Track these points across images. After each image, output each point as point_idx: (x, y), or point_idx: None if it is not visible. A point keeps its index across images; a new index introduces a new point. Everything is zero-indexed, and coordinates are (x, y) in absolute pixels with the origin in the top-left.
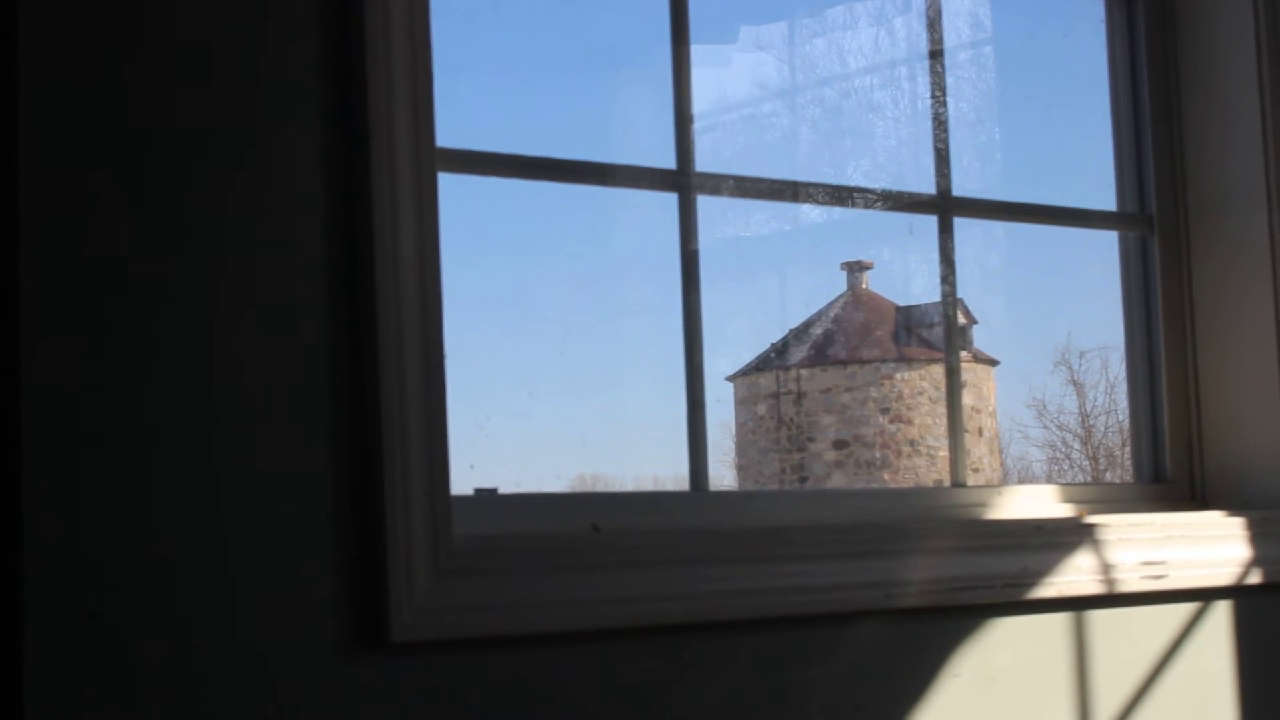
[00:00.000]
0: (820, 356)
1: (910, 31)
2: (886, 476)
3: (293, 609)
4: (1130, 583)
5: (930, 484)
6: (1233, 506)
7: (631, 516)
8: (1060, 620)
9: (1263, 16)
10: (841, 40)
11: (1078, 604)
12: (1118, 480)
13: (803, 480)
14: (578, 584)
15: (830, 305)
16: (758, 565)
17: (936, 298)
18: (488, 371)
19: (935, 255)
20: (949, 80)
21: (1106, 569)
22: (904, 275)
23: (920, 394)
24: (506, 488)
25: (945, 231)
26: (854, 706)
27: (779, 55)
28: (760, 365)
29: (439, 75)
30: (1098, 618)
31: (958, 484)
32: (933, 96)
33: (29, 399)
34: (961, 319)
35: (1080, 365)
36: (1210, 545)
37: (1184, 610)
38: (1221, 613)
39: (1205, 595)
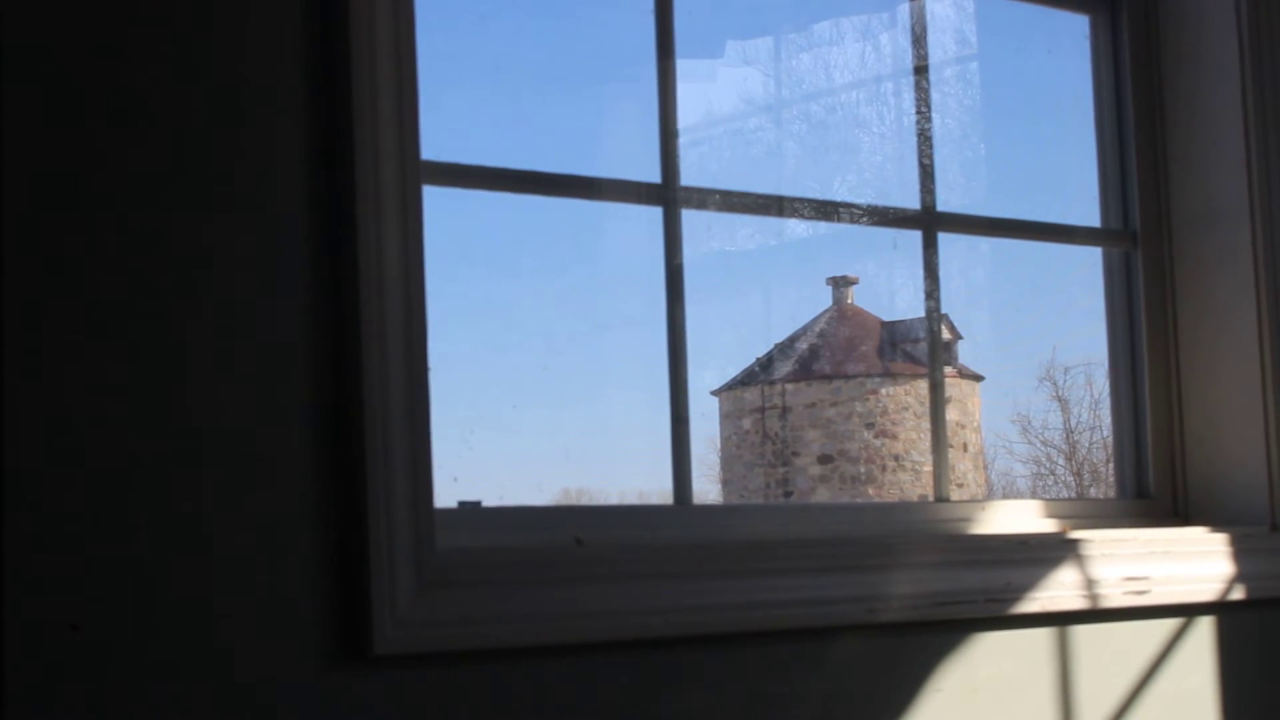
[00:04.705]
0: (805, 371)
1: (896, 47)
2: (871, 491)
3: (275, 621)
4: (1113, 598)
5: (914, 499)
6: (1216, 522)
7: (615, 530)
8: (1043, 635)
9: (1246, 33)
10: (828, 55)
11: (1061, 619)
12: (1101, 496)
13: (787, 495)
14: (561, 597)
15: (815, 320)
16: (741, 579)
17: (921, 313)
18: (471, 384)
19: (920, 271)
20: (934, 96)
21: (1090, 584)
22: (889, 290)
23: (905, 409)
24: (490, 501)
25: (930, 247)
26: None
27: (765, 70)
28: (745, 379)
29: (424, 88)
30: (1081, 633)
31: (942, 499)
32: (918, 112)
33: (8, 408)
34: (946, 334)
35: (1064, 381)
36: (1193, 561)
37: (1167, 626)
38: (1204, 628)
39: (1188, 611)
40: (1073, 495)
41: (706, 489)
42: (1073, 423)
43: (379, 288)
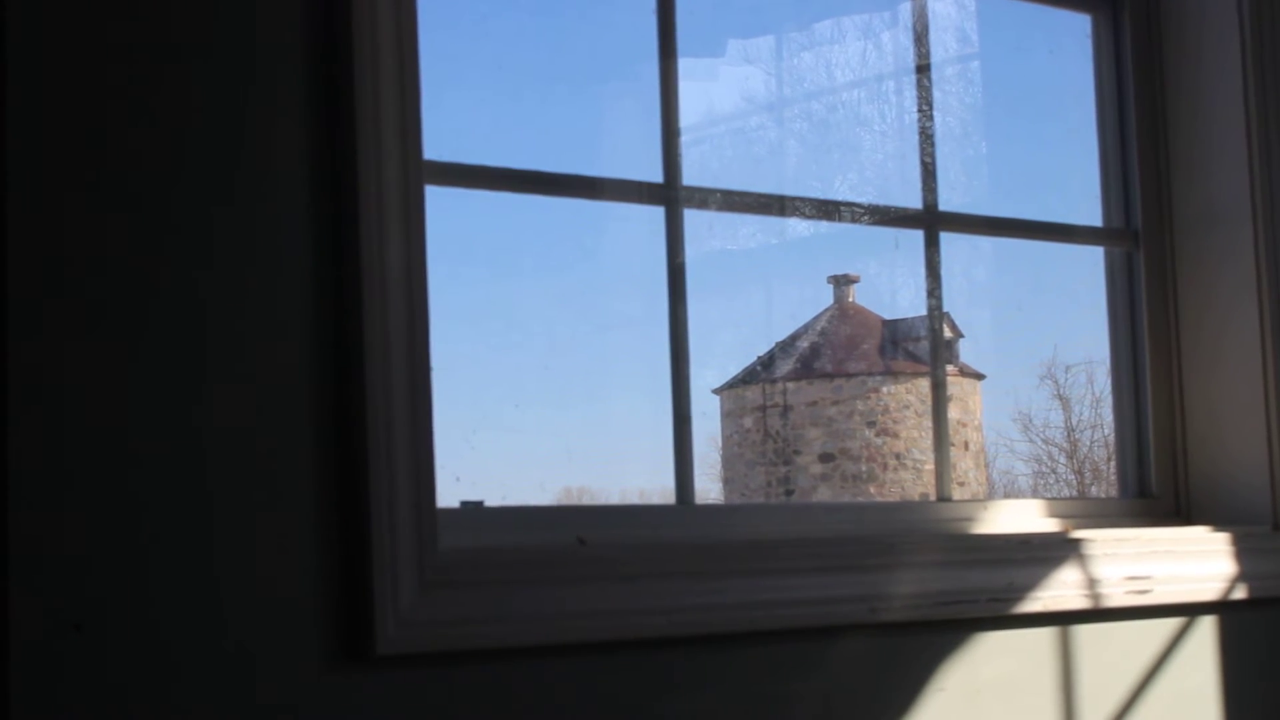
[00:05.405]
0: (806, 370)
1: (897, 46)
2: (872, 490)
3: (278, 621)
4: (1115, 598)
5: (916, 498)
6: (1217, 522)
7: (617, 529)
8: (1045, 635)
9: (1248, 33)
10: (829, 54)
11: (1063, 619)
12: (1103, 495)
13: (789, 493)
14: (563, 597)
15: (817, 318)
16: (743, 579)
17: (923, 311)
18: (474, 384)
19: (922, 269)
20: (936, 95)
21: (1091, 584)
22: (890, 289)
23: (906, 407)
24: (492, 500)
25: (932, 246)
26: None
27: (766, 69)
28: (746, 378)
29: (425, 87)
30: (1083, 632)
31: (943, 498)
32: (919, 111)
33: (13, 407)
34: (948, 333)
35: (1066, 380)
36: (1195, 560)
37: (1169, 625)
38: (1206, 628)
39: (1190, 610)
40: (1074, 493)
41: (708, 487)
42: (1074, 421)
43: (381, 288)
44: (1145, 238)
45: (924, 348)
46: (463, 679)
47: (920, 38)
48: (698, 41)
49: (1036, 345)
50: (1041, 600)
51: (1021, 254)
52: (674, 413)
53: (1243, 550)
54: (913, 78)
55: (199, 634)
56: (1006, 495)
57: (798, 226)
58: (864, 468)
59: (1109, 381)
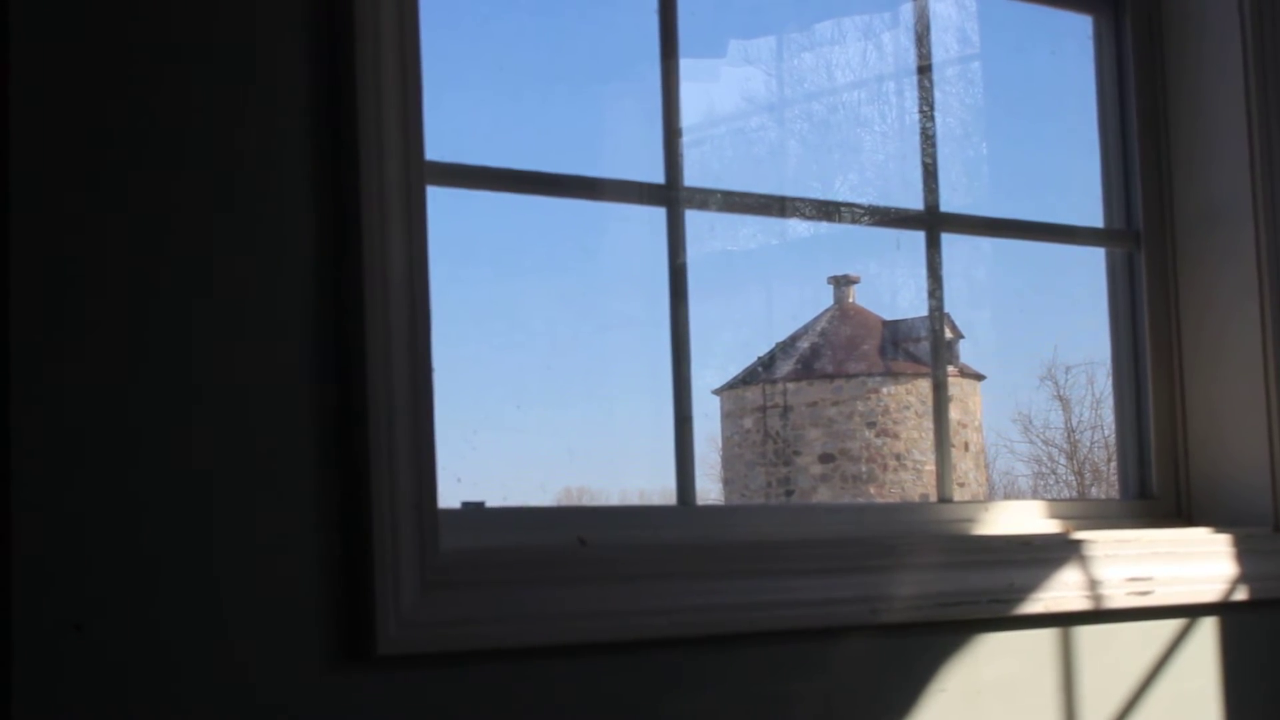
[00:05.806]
0: (807, 370)
1: (898, 47)
2: (872, 490)
3: (279, 622)
4: (1116, 599)
5: (916, 498)
6: (1218, 523)
7: (618, 530)
8: (1046, 636)
9: (1249, 33)
10: (830, 55)
11: (1064, 620)
12: (1102, 495)
13: (789, 494)
14: (564, 598)
15: (817, 319)
16: (744, 580)
17: (923, 312)
18: (475, 384)
19: (922, 270)
20: (937, 95)
21: (1093, 585)
22: (891, 290)
23: (906, 408)
24: (493, 501)
25: (933, 246)
26: None
27: (767, 69)
28: (747, 379)
29: (426, 88)
30: (1084, 633)
31: (944, 499)
32: (920, 111)
33: (14, 407)
34: (948, 333)
35: (1066, 380)
36: (1196, 561)
37: (1170, 626)
38: (1207, 629)
39: (1191, 612)
40: (1073, 494)
41: (708, 488)
42: (1074, 422)
43: (383, 287)
44: (1146, 238)
45: (924, 348)
46: (464, 679)
47: (921, 38)
48: (699, 42)
49: (1037, 346)
50: (1042, 601)
51: (1022, 255)
52: (675, 413)
53: (1244, 552)
54: (914, 78)
55: (199, 634)
56: (1006, 496)
57: (798, 227)
58: (864, 468)
59: (1109, 382)
